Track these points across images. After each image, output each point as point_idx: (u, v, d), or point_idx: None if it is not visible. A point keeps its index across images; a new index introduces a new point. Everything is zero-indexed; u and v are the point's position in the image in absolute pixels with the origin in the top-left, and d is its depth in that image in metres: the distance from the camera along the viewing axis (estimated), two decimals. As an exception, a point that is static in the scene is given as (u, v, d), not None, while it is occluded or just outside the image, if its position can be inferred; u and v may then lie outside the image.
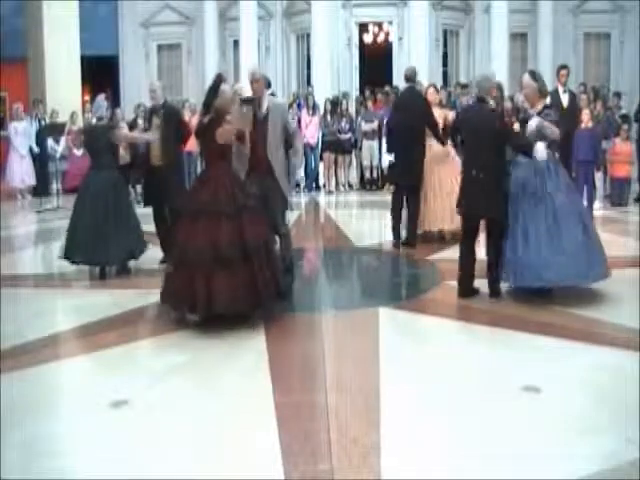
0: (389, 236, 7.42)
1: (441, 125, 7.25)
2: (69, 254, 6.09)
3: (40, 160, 12.39)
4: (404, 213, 7.17)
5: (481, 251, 5.32)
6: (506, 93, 10.59)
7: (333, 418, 3.18)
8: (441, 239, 7.30)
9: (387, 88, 13.33)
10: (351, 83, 16.89)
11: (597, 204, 9.39)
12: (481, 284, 5.23)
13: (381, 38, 17.41)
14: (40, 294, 5.78)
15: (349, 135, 12.47)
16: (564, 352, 4.11)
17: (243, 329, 4.50)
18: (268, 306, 4.67)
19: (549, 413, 3.25)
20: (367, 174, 12.69)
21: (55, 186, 11.82)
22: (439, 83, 14.47)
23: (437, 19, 17.24)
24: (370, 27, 17.37)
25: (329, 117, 12.58)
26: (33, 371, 3.87)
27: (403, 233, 7.17)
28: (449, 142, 6.98)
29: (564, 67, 9.52)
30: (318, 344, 4.34)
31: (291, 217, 7.68)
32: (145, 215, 6.63)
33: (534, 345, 4.24)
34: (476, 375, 3.75)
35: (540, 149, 5.07)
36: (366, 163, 12.58)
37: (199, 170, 12.30)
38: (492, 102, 5.32)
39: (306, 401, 3.47)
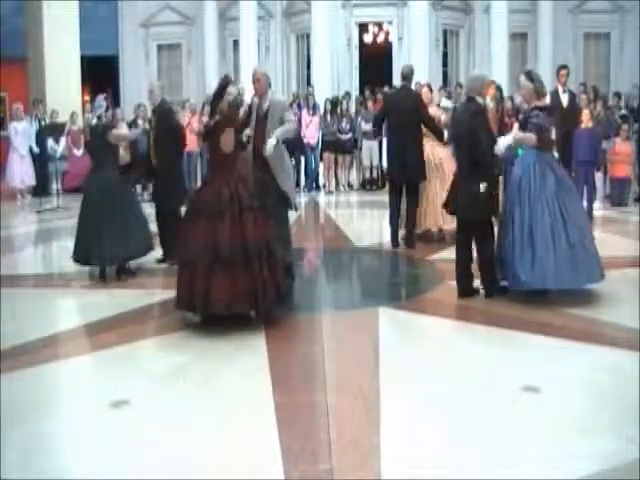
0: (389, 236, 7.43)
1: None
2: (77, 255, 6.06)
3: (40, 160, 12.38)
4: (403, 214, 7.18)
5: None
6: (506, 93, 10.60)
7: (333, 418, 3.18)
8: (441, 239, 7.29)
9: (387, 88, 13.32)
10: (351, 83, 16.89)
11: (597, 204, 9.39)
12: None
13: (381, 38, 17.41)
14: (40, 294, 5.77)
15: (349, 135, 12.47)
16: (564, 352, 4.11)
17: (243, 329, 4.49)
18: (267, 308, 4.66)
19: (549, 413, 3.25)
20: (367, 174, 12.69)
21: (55, 186, 11.82)
22: (439, 83, 14.52)
23: (437, 19, 17.23)
24: (370, 27, 17.36)
25: (329, 117, 12.58)
26: (33, 371, 3.87)
27: (402, 233, 7.18)
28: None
29: (564, 67, 9.51)
30: (318, 344, 4.33)
31: (291, 217, 7.70)
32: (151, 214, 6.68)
33: (534, 345, 4.24)
34: (476, 375, 3.75)
35: (500, 143, 5.07)
36: (366, 163, 12.58)
37: (199, 170, 12.33)
38: (489, 101, 5.30)
39: (306, 401, 3.47)
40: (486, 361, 3.97)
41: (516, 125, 5.88)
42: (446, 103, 7.61)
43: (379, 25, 17.41)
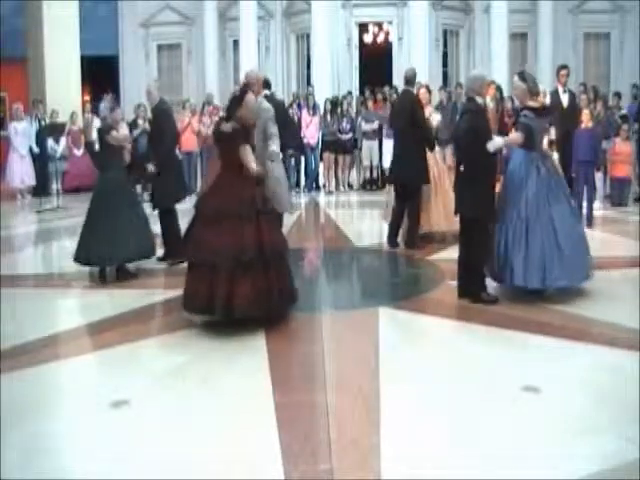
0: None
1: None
2: (78, 255, 6.04)
3: (40, 160, 12.38)
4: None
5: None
6: (506, 93, 10.60)
7: (333, 418, 3.18)
8: (441, 240, 7.29)
9: (386, 88, 13.33)
10: (351, 83, 16.88)
11: (597, 204, 9.38)
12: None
13: (381, 38, 17.41)
14: (40, 294, 5.77)
15: (349, 135, 12.47)
16: (564, 352, 4.11)
17: (243, 329, 4.49)
18: (282, 309, 4.69)
19: (549, 413, 3.25)
20: (367, 174, 12.69)
21: (55, 186, 11.82)
22: (439, 83, 14.52)
23: (437, 19, 17.23)
24: (370, 27, 17.36)
25: (329, 117, 12.58)
26: (33, 371, 3.87)
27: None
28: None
29: (564, 67, 9.52)
30: (318, 344, 4.33)
31: (291, 217, 7.71)
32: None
33: (534, 345, 4.24)
34: (476, 375, 3.75)
35: (490, 145, 5.06)
36: (366, 163, 12.58)
37: (199, 170, 12.33)
38: (489, 101, 5.29)
39: (306, 401, 3.47)
40: (486, 361, 3.97)
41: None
42: (437, 117, 7.61)
43: (379, 25, 17.41)
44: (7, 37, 15.67)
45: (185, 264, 4.84)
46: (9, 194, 12.14)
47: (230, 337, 4.40)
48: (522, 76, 5.29)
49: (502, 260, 5.09)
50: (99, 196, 6.05)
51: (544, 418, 3.19)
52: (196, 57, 18.25)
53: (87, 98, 16.35)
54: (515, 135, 5.16)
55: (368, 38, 17.34)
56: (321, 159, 12.64)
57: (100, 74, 17.95)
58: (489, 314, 4.81)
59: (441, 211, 7.20)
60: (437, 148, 7.52)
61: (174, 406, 3.41)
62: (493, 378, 3.70)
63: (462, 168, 5.04)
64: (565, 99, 9.27)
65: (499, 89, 9.79)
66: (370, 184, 12.62)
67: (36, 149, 12.44)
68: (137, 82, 17.15)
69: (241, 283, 4.37)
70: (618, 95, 12.11)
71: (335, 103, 12.83)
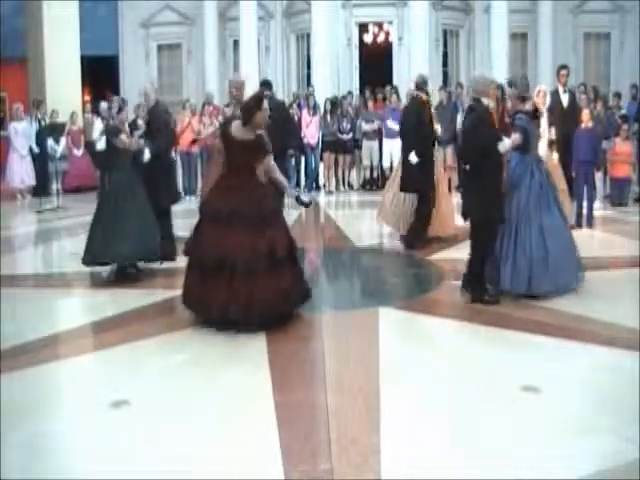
0: (389, 236, 7.45)
1: None
2: (87, 257, 6.00)
3: (40, 160, 12.38)
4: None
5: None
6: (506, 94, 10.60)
7: (333, 418, 3.18)
8: (440, 240, 7.29)
9: (388, 88, 13.32)
10: (351, 83, 16.88)
11: (597, 204, 9.38)
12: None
13: (381, 38, 17.40)
14: (40, 294, 5.77)
15: (350, 135, 12.47)
16: (563, 352, 4.11)
17: (243, 330, 4.49)
18: (297, 309, 4.75)
19: (549, 413, 3.25)
20: (367, 174, 12.69)
21: (55, 186, 11.82)
22: (439, 83, 14.51)
23: (437, 19, 17.22)
24: (370, 27, 17.35)
25: (329, 117, 12.58)
26: (33, 371, 3.87)
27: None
28: None
29: (564, 67, 9.52)
30: (318, 344, 4.34)
31: (291, 217, 7.71)
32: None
33: (534, 345, 4.24)
34: (476, 375, 3.75)
35: (501, 146, 5.11)
36: (366, 163, 12.58)
37: (199, 170, 12.32)
38: (490, 102, 5.31)
39: (306, 401, 3.47)
40: (486, 361, 3.97)
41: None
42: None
43: (379, 25, 17.41)
44: (7, 37, 15.66)
45: (179, 263, 4.83)
46: (9, 194, 12.14)
47: (230, 337, 4.40)
48: (510, 83, 5.37)
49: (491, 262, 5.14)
50: (107, 197, 6.03)
51: (544, 418, 3.19)
52: (196, 57, 18.25)
53: (87, 98, 16.34)
54: (515, 136, 5.18)
55: (368, 38, 17.34)
56: (321, 159, 12.64)
57: (100, 74, 17.95)
58: (489, 314, 4.81)
59: (437, 217, 7.19)
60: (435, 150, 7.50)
61: (174, 406, 3.41)
62: (493, 378, 3.70)
63: (467, 168, 5.03)
64: (565, 99, 9.26)
65: (500, 88, 9.79)
66: (370, 184, 12.61)
67: (36, 149, 12.43)
68: (137, 82, 17.10)
69: (259, 288, 4.40)
70: (618, 95, 12.11)
71: (335, 103, 12.83)
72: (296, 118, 12.06)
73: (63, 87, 14.16)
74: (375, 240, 7.86)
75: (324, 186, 12.70)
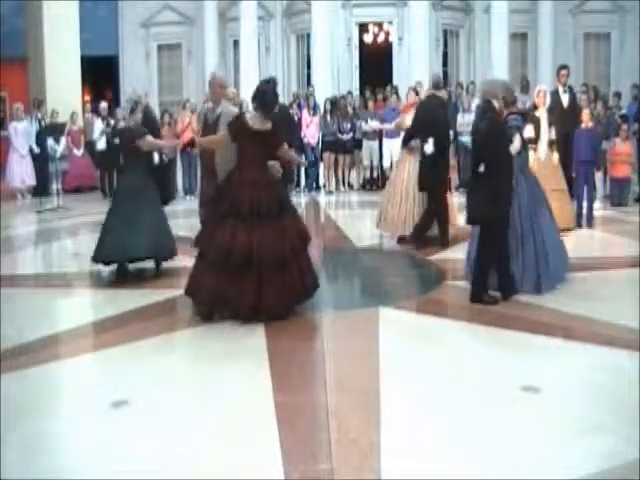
0: (389, 236, 7.45)
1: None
2: (99, 256, 6.00)
3: (40, 160, 12.38)
4: None
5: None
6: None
7: (333, 418, 3.18)
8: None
9: (387, 88, 13.32)
10: (351, 83, 16.88)
11: (597, 204, 9.38)
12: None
13: (381, 38, 17.42)
14: (40, 294, 5.77)
15: (350, 135, 12.46)
16: (564, 352, 4.11)
17: (243, 329, 4.50)
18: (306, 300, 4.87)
19: (549, 413, 3.25)
20: (367, 174, 12.69)
21: (55, 186, 11.81)
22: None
23: (437, 19, 17.23)
24: (370, 27, 17.36)
25: (329, 117, 12.58)
26: (33, 371, 3.87)
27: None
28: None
29: (564, 67, 9.52)
30: (318, 344, 4.34)
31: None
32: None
33: (534, 345, 4.24)
34: (476, 375, 3.75)
35: (515, 144, 5.19)
36: (366, 163, 12.57)
37: (199, 170, 12.30)
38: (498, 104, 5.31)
39: (306, 401, 3.47)
40: (486, 361, 3.97)
41: (529, 127, 6.09)
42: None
43: (379, 25, 17.42)
44: (7, 37, 15.66)
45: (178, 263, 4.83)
46: (9, 194, 12.14)
47: (230, 337, 4.40)
48: None
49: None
50: (122, 196, 6.02)
51: (544, 418, 3.19)
52: (196, 57, 18.25)
53: (87, 98, 16.35)
54: (517, 137, 5.23)
55: (368, 38, 17.34)
56: (321, 159, 12.64)
57: (100, 74, 17.97)
58: (489, 314, 4.81)
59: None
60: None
61: (174, 406, 3.41)
62: (493, 378, 3.70)
63: (482, 169, 4.99)
64: (565, 99, 9.27)
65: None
66: (370, 184, 12.61)
67: (36, 149, 12.43)
68: (137, 82, 17.15)
69: (287, 278, 4.57)
70: (618, 95, 12.11)
71: (335, 103, 12.82)
72: (296, 118, 12.06)
73: (63, 87, 14.16)
74: (375, 240, 7.85)
75: (324, 186, 12.70)
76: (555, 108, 8.37)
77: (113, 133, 6.44)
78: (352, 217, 10.30)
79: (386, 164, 11.90)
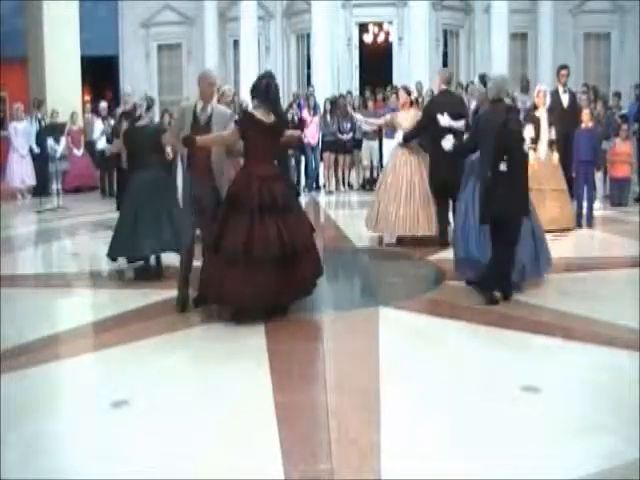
0: (389, 237, 7.46)
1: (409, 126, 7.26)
2: (114, 252, 6.02)
3: (40, 160, 12.38)
4: None
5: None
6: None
7: (333, 418, 3.18)
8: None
9: (389, 88, 13.32)
10: (351, 83, 16.89)
11: (597, 204, 9.38)
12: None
13: (381, 38, 17.42)
14: (40, 294, 5.77)
15: (350, 135, 12.46)
16: (563, 352, 4.11)
17: (243, 329, 4.50)
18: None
19: (549, 413, 3.25)
20: (367, 174, 12.69)
21: (55, 186, 11.81)
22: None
23: (437, 19, 17.23)
24: (370, 27, 17.36)
25: (329, 117, 12.58)
26: (33, 371, 3.87)
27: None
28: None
29: (564, 67, 9.52)
30: (318, 344, 4.34)
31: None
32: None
33: (534, 345, 4.24)
34: (476, 375, 3.75)
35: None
36: (366, 163, 12.57)
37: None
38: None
39: (306, 401, 3.47)
40: (486, 361, 3.97)
41: (529, 127, 6.08)
42: (445, 120, 7.49)
43: (379, 25, 17.41)
44: (7, 37, 15.65)
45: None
46: (9, 194, 12.13)
47: (230, 337, 4.40)
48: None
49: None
50: (137, 193, 6.00)
51: (544, 418, 3.19)
52: (196, 57, 18.25)
53: (87, 98, 16.35)
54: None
55: (368, 38, 17.34)
56: (321, 159, 12.64)
57: (100, 74, 17.96)
58: (489, 314, 4.81)
59: (430, 216, 7.14)
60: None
61: (174, 406, 3.41)
62: (493, 378, 3.70)
63: (504, 167, 4.96)
64: (565, 99, 9.26)
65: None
66: (370, 184, 12.59)
67: (36, 149, 12.43)
68: (137, 82, 17.15)
69: (283, 275, 4.59)
70: (618, 95, 12.11)
71: (335, 103, 12.82)
72: (296, 118, 12.06)
73: (63, 87, 14.16)
74: (375, 240, 7.85)
75: (324, 186, 12.70)
76: (555, 108, 8.37)
77: (130, 131, 6.38)
78: (352, 217, 10.28)
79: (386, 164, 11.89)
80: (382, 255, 7.30)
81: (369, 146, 12.37)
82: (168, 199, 6.04)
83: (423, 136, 7.26)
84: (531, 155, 6.23)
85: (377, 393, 3.45)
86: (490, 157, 5.01)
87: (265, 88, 4.80)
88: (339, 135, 12.41)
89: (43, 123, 12.72)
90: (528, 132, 6.21)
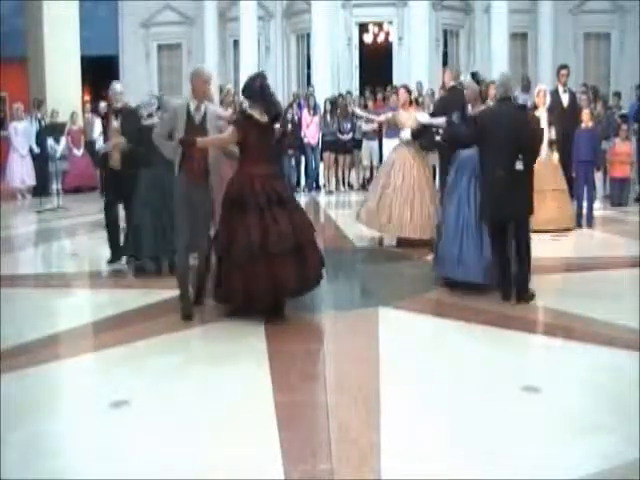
0: (389, 237, 7.46)
1: (410, 126, 7.24)
2: (130, 251, 6.03)
3: (40, 160, 12.39)
4: None
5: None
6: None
7: (333, 418, 3.18)
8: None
9: (389, 88, 13.32)
10: (351, 83, 16.90)
11: (597, 204, 9.39)
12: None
13: (381, 38, 17.42)
14: (40, 294, 5.77)
15: (350, 135, 12.47)
16: (564, 352, 4.11)
17: (243, 329, 4.50)
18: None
19: (549, 413, 3.25)
20: (367, 174, 12.69)
21: (55, 186, 11.82)
22: (439, 83, 14.49)
23: (437, 19, 17.24)
24: (370, 27, 17.37)
25: (329, 117, 12.58)
26: (33, 371, 3.87)
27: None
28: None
29: (564, 67, 9.52)
30: (318, 344, 4.34)
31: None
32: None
33: (534, 345, 4.24)
34: (476, 375, 3.75)
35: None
36: (366, 163, 12.58)
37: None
38: (490, 101, 5.31)
39: (306, 401, 3.47)
40: (486, 361, 3.97)
41: None
42: (424, 117, 7.44)
43: (379, 25, 17.42)
44: (7, 37, 15.67)
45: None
46: (9, 194, 12.14)
47: (230, 337, 4.40)
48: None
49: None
50: (149, 194, 6.00)
51: (544, 418, 3.19)
52: (196, 57, 18.24)
53: (87, 98, 16.35)
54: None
55: (368, 38, 17.35)
56: (321, 159, 12.65)
57: (100, 74, 17.93)
58: (489, 314, 4.81)
59: (426, 217, 7.11)
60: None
61: (174, 406, 3.41)
62: (493, 378, 3.70)
63: (520, 166, 4.91)
64: (565, 99, 9.26)
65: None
66: (370, 184, 12.61)
67: (36, 149, 12.44)
68: (137, 82, 17.16)
69: (296, 265, 4.63)
70: (618, 95, 12.12)
71: (334, 103, 12.83)
72: (296, 118, 12.07)
73: (63, 87, 14.17)
74: (375, 240, 7.85)
75: (324, 186, 12.71)
76: (555, 108, 8.37)
77: (138, 130, 6.32)
78: (352, 217, 10.26)
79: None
80: (382, 255, 7.30)
81: (369, 146, 12.37)
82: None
83: (424, 136, 7.25)
84: None
85: (377, 393, 3.45)
86: (504, 156, 4.91)
87: (260, 88, 4.81)
88: (339, 135, 12.42)
89: (43, 123, 12.73)
90: None
